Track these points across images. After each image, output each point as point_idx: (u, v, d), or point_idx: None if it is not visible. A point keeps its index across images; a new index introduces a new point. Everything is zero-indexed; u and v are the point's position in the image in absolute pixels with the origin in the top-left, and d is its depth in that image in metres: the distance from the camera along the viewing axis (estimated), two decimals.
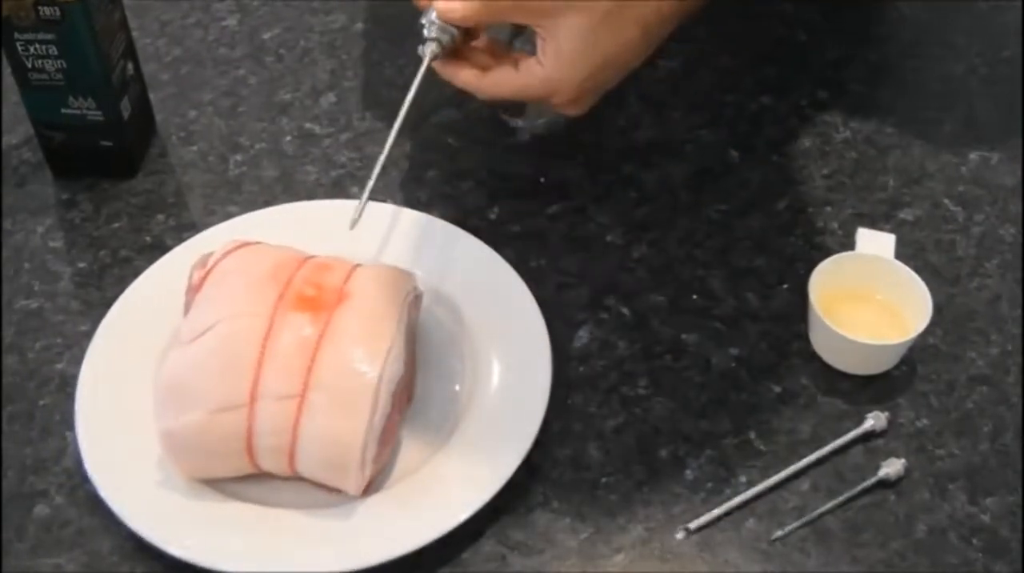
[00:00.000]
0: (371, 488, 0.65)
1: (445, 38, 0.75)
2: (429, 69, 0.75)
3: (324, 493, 0.65)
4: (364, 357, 0.62)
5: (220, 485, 0.65)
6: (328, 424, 0.61)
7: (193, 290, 0.66)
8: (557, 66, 0.72)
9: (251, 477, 0.65)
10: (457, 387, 0.71)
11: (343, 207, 0.77)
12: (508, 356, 0.71)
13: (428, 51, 0.75)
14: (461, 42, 0.76)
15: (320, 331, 0.62)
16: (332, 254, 0.70)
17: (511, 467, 0.65)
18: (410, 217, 0.79)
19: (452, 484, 0.65)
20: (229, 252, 0.67)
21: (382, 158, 0.73)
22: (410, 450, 0.68)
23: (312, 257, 0.68)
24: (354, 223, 0.71)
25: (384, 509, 0.64)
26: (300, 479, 0.64)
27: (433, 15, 0.75)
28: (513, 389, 0.69)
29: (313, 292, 0.64)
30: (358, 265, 0.68)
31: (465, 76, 0.76)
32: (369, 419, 0.61)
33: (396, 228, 0.78)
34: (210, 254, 0.68)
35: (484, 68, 0.76)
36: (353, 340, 0.63)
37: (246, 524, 0.63)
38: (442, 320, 0.74)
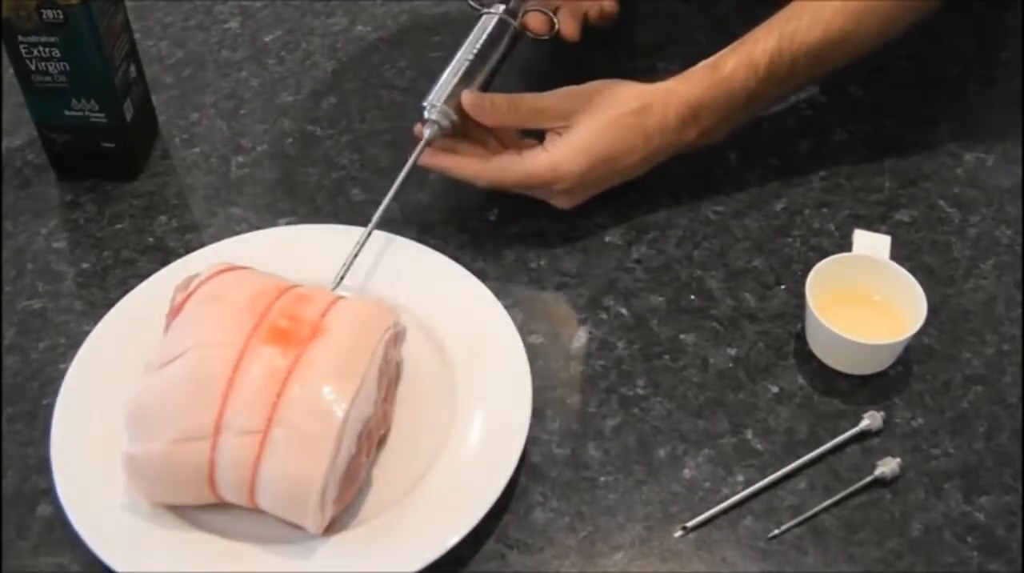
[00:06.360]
0: (335, 527, 0.63)
1: (446, 123, 0.78)
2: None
3: (288, 528, 0.63)
4: (331, 396, 0.60)
5: (184, 512, 0.64)
6: (288, 463, 0.60)
7: (173, 313, 0.66)
8: (565, 154, 0.76)
9: (217, 506, 0.63)
10: (434, 431, 0.68)
11: (346, 233, 0.77)
12: (490, 408, 0.69)
13: (427, 133, 0.78)
14: (460, 130, 0.79)
15: (289, 366, 0.61)
16: (324, 281, 0.70)
17: (472, 520, 0.63)
18: (408, 248, 0.78)
19: (414, 532, 0.64)
20: (212, 276, 0.66)
21: (373, 222, 0.75)
22: (379, 491, 0.66)
23: (294, 287, 0.67)
24: (335, 286, 0.73)
25: (345, 550, 0.63)
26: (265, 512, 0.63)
27: (438, 98, 0.78)
28: (488, 443, 0.67)
29: (287, 324, 0.63)
30: (340, 297, 0.67)
31: (467, 166, 0.78)
32: (331, 460, 0.59)
33: (393, 259, 0.77)
34: (195, 276, 0.67)
35: (482, 156, 0.79)
36: (322, 377, 0.61)
37: (204, 555, 0.62)
38: (430, 359, 0.72)
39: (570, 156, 0.76)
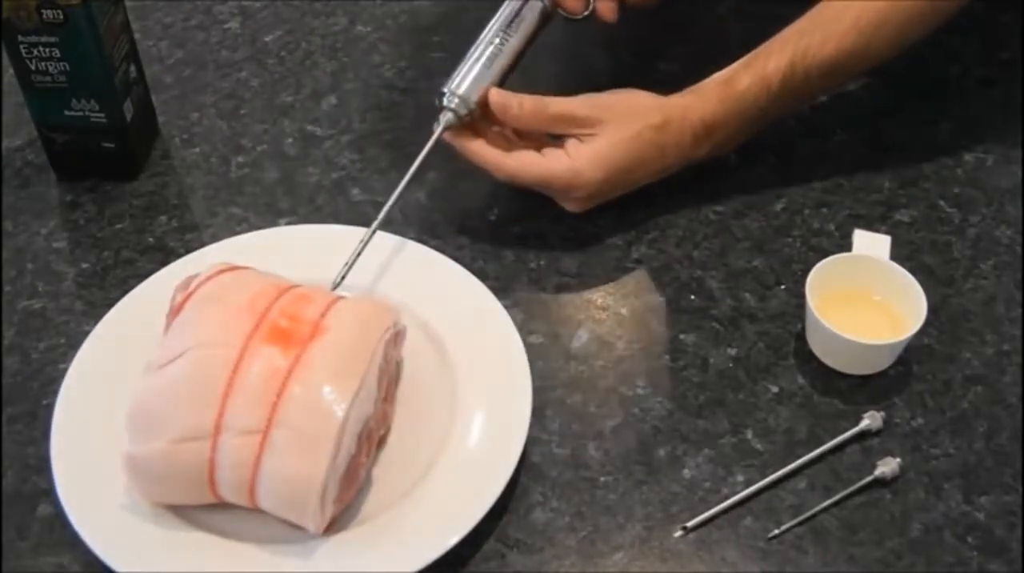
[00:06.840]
0: (335, 527, 0.63)
1: (463, 112, 0.76)
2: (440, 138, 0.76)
3: (288, 528, 0.63)
4: (331, 396, 0.60)
5: (185, 512, 0.64)
6: (289, 463, 0.60)
7: (173, 313, 0.66)
8: (586, 161, 0.76)
9: (217, 506, 0.63)
10: (434, 431, 0.68)
11: (346, 233, 0.77)
12: (490, 408, 0.69)
13: (443, 120, 0.75)
14: (479, 118, 0.77)
15: (290, 366, 0.61)
16: (324, 281, 0.70)
17: (472, 520, 0.63)
18: (408, 248, 0.78)
19: (414, 532, 0.64)
20: (212, 276, 0.66)
21: (382, 214, 0.74)
22: (379, 491, 0.66)
23: (294, 287, 0.67)
24: (336, 285, 0.72)
25: (345, 550, 0.63)
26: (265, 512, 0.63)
27: (458, 87, 0.75)
28: (488, 443, 0.67)
29: (287, 324, 0.63)
30: (340, 297, 0.67)
31: (488, 153, 0.77)
32: (331, 460, 0.59)
33: (393, 259, 0.77)
34: (195, 276, 0.67)
35: (504, 146, 0.78)
36: (322, 377, 0.61)
37: (204, 555, 0.62)
38: (430, 359, 0.72)
39: (592, 165, 0.76)
